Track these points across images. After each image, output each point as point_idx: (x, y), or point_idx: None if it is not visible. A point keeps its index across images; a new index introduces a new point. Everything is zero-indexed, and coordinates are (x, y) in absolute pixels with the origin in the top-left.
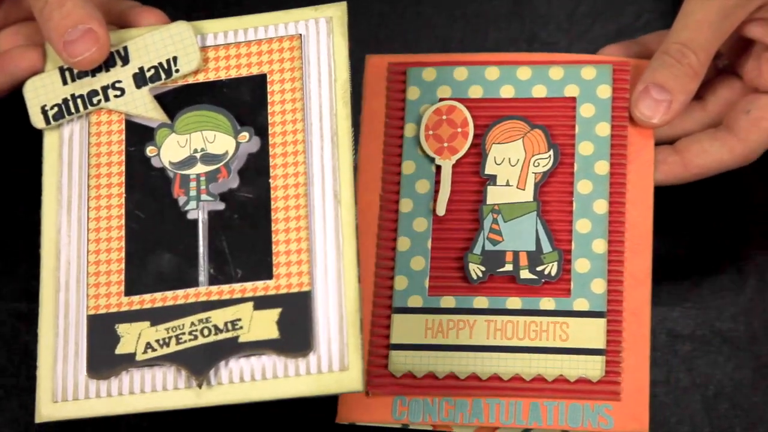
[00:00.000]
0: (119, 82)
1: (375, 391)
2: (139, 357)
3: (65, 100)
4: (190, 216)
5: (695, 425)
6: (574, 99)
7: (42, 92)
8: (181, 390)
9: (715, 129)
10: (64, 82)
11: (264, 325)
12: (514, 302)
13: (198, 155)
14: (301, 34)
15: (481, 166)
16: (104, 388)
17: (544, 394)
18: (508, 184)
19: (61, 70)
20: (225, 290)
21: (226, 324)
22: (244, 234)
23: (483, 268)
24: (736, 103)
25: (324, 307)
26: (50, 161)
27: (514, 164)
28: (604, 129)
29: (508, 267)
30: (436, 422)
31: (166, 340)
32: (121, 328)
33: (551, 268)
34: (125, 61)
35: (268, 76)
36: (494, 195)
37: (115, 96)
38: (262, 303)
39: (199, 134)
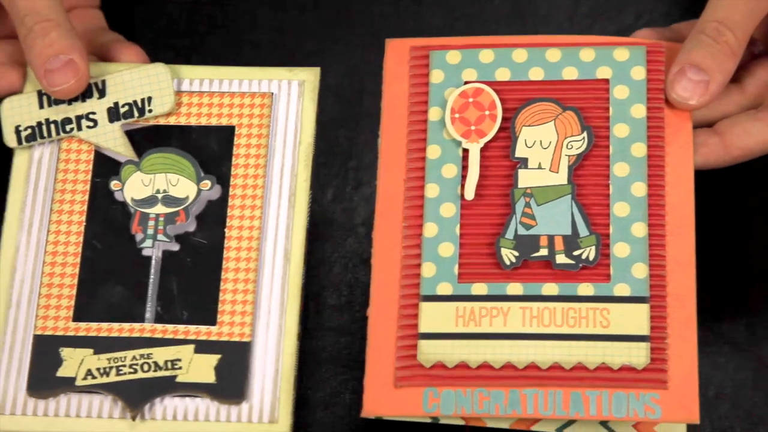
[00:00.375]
0: (93, 113)
1: (404, 383)
2: (79, 382)
3: (39, 124)
4: (145, 253)
5: (696, 426)
6: (606, 81)
7: (18, 112)
8: (115, 420)
9: (756, 110)
10: (41, 106)
11: (202, 368)
12: (550, 288)
13: (160, 196)
14: (273, 93)
15: (511, 149)
16: (42, 407)
17: (586, 382)
18: (540, 167)
19: (39, 94)
20: (169, 329)
21: (166, 362)
22: (194, 278)
23: (516, 254)
24: None
25: (262, 359)
26: (17, 181)
27: (546, 147)
28: (639, 111)
29: (543, 252)
30: (471, 414)
31: (107, 370)
32: (65, 352)
33: (589, 253)
34: (102, 94)
35: (236, 129)
36: (526, 178)
37: (88, 127)
38: (203, 347)
39: (164, 176)
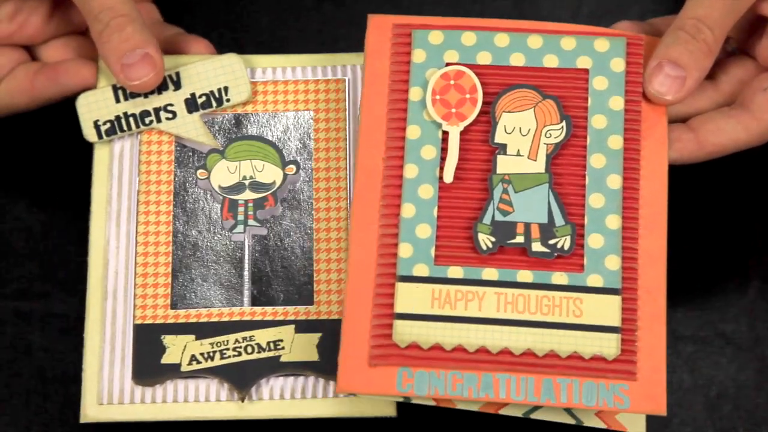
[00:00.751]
0: (171, 105)
1: (378, 362)
2: (184, 368)
3: (118, 118)
4: (236, 239)
5: (698, 426)
6: (586, 71)
7: (95, 107)
8: (223, 402)
9: (729, 107)
10: (117, 100)
11: (305, 347)
12: (525, 275)
13: (247, 182)
14: (346, 79)
15: (490, 134)
16: (149, 394)
17: (557, 370)
18: (518, 154)
19: (114, 88)
20: (268, 311)
21: (268, 343)
22: (287, 260)
23: (493, 239)
24: (751, 82)
25: None
26: (100, 174)
27: (525, 134)
28: (617, 103)
29: (519, 239)
30: (444, 395)
31: (211, 354)
32: (167, 339)
33: (564, 242)
34: (177, 86)
35: (314, 114)
36: (504, 164)
37: (167, 118)
38: (303, 327)
39: (249, 162)
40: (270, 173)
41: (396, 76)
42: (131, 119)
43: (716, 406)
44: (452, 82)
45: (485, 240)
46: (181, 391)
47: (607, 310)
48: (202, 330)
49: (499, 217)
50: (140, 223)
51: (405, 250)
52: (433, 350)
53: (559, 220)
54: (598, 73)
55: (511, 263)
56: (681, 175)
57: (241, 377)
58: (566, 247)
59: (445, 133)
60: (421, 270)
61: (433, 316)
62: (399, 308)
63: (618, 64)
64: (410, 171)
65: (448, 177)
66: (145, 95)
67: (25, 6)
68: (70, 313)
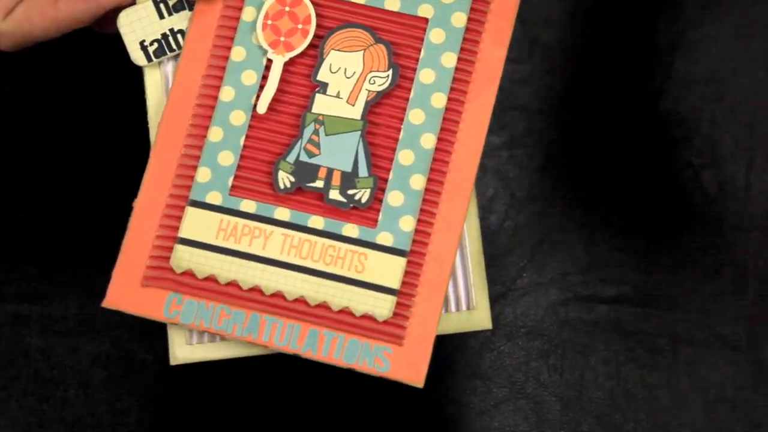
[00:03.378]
0: None
1: (150, 283)
2: None
3: (165, 36)
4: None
5: (696, 428)
6: (426, 20)
7: (138, 26)
8: None
9: None
10: (161, 16)
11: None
12: (316, 221)
13: None
14: None
15: (314, 70)
16: None
17: (326, 323)
18: (338, 96)
19: (155, 3)
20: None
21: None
22: None
23: (293, 179)
24: None
25: None
26: (155, 100)
27: (349, 76)
28: (450, 60)
29: (319, 183)
30: (208, 328)
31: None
32: None
33: (363, 195)
34: None
35: None
36: (321, 104)
37: None
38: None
39: None
40: None
41: None
42: (179, 36)
43: (714, 408)
44: (287, 8)
45: (285, 178)
46: None
47: (390, 270)
48: None
49: (303, 158)
50: None
51: (203, 174)
52: (207, 281)
53: (363, 171)
54: (437, 25)
55: (305, 207)
56: (681, 176)
57: None
58: (363, 200)
59: (270, 61)
60: (215, 198)
61: (215, 246)
62: (183, 233)
63: (459, 19)
64: (226, 94)
65: (262, 108)
66: (190, 7)
67: None
68: (68, 315)
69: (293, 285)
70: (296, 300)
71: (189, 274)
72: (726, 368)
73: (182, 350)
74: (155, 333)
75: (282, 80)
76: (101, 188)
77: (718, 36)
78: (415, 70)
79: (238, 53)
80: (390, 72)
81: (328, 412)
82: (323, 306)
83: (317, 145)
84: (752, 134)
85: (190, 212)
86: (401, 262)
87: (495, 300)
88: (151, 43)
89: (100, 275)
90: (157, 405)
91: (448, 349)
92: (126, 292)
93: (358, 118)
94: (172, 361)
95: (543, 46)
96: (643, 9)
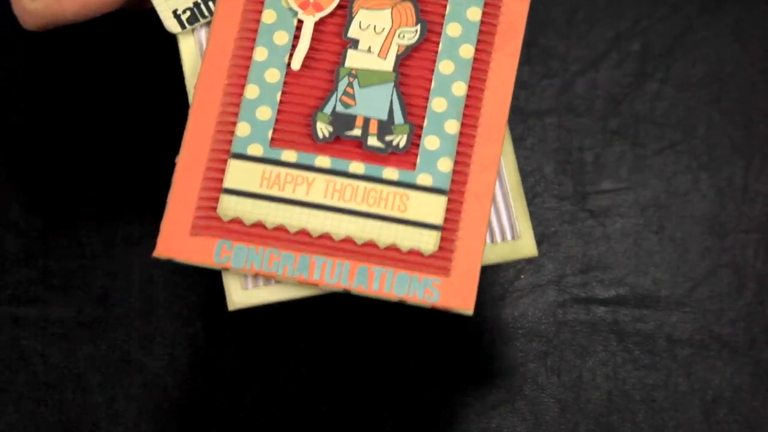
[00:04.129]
0: None
1: (200, 232)
2: None
3: (196, 4)
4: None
5: (694, 430)
6: None
7: None
8: None
9: None
10: None
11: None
12: (357, 167)
13: None
14: None
15: (344, 28)
16: None
17: (374, 259)
18: (369, 51)
19: None
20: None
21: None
22: None
23: (331, 129)
24: None
25: None
26: (191, 65)
27: (379, 32)
28: (475, 13)
29: (357, 132)
30: (260, 270)
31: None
32: None
33: (400, 140)
34: None
35: None
36: (353, 59)
37: None
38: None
39: None
40: None
41: None
42: (210, 3)
43: (712, 409)
44: None
45: (323, 129)
46: None
47: (432, 208)
48: None
49: (340, 109)
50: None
51: (243, 129)
52: (255, 227)
53: (398, 118)
54: None
55: (345, 154)
56: (682, 178)
57: None
58: (401, 145)
59: (300, 22)
60: (256, 150)
61: (260, 194)
62: (228, 184)
63: None
64: (260, 54)
65: (296, 64)
66: None
67: None
68: (66, 318)
69: (339, 226)
70: (343, 240)
71: (237, 221)
72: (724, 370)
73: (238, 295)
74: (152, 335)
75: (313, 39)
76: (101, 189)
77: (716, 38)
78: (441, 24)
79: (269, 15)
80: (418, 27)
81: (328, 412)
82: (370, 244)
83: (352, 97)
84: (750, 136)
85: (233, 164)
86: (442, 200)
87: (493, 302)
88: (184, 12)
89: (97, 278)
90: (155, 407)
91: (447, 350)
92: (176, 241)
93: (390, 70)
94: (230, 307)
95: (540, 48)
96: (642, 10)
